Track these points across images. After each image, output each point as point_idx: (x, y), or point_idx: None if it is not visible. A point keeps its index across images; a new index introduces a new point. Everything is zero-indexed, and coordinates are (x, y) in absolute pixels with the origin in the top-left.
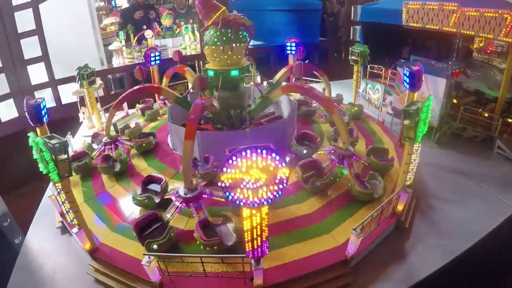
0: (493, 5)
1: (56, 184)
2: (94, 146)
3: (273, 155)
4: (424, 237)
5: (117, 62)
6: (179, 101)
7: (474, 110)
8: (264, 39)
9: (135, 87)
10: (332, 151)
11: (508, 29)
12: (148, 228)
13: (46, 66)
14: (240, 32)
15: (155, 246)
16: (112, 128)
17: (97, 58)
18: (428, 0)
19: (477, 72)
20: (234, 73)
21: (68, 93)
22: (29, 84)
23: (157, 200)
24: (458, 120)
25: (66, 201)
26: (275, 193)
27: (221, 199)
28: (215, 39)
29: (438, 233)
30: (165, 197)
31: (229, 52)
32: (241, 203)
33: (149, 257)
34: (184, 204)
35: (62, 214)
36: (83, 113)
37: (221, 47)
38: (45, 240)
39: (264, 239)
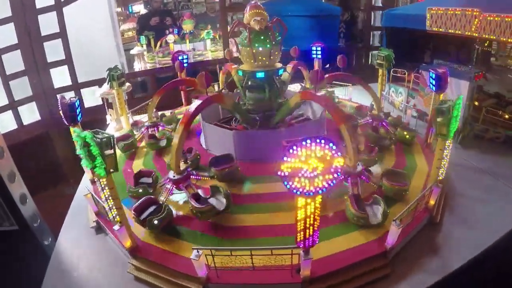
0: None
1: (101, 180)
2: (135, 132)
3: (330, 145)
4: (454, 231)
5: (138, 66)
6: (237, 108)
7: (495, 112)
8: (285, 44)
9: (200, 97)
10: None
11: None
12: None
13: (69, 69)
14: (269, 36)
15: (156, 221)
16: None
17: (117, 62)
18: (451, 6)
19: (496, 76)
20: (260, 74)
21: (90, 97)
22: (52, 87)
23: (150, 190)
24: (480, 122)
25: (110, 197)
26: (330, 182)
27: (206, 178)
28: (245, 41)
29: (468, 228)
30: (159, 186)
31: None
32: (298, 192)
33: (197, 251)
34: (174, 186)
35: (98, 213)
36: (110, 115)
37: (249, 48)
38: (78, 241)
39: (316, 228)
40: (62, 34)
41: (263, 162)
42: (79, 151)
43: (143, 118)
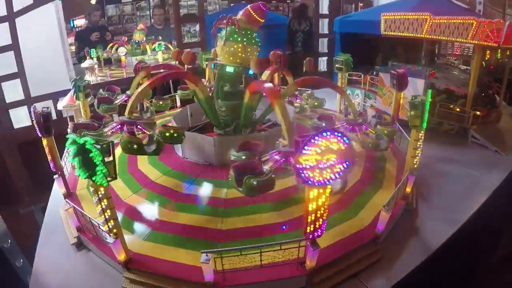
0: (460, 13)
1: (99, 190)
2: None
3: (344, 138)
4: (430, 215)
5: (90, 79)
6: (208, 101)
7: (447, 106)
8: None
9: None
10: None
11: (474, 32)
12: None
13: (22, 83)
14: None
15: (255, 182)
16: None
17: (66, 76)
18: (403, 11)
19: (442, 74)
20: (229, 69)
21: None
22: (4, 101)
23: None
24: (435, 116)
25: (108, 208)
26: (340, 172)
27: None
28: (236, 37)
29: (441, 210)
30: (263, 158)
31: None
32: (310, 183)
33: (206, 255)
34: (283, 159)
35: (79, 229)
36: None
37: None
38: (59, 259)
39: (325, 218)
40: (14, 46)
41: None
42: (73, 159)
43: None
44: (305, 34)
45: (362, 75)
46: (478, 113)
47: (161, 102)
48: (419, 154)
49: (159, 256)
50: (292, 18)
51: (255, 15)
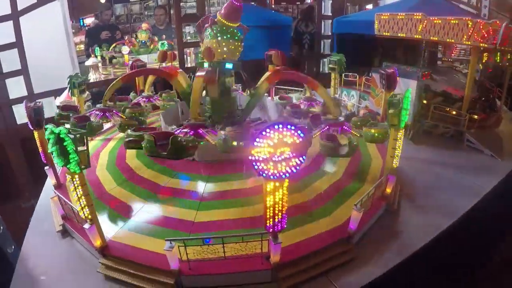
0: (455, 13)
1: (74, 177)
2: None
3: (299, 132)
4: (411, 217)
5: (93, 77)
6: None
7: (442, 108)
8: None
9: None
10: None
11: (469, 33)
12: None
13: (25, 80)
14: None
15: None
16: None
17: (71, 73)
18: (397, 11)
19: (443, 77)
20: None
21: (46, 107)
22: (7, 98)
23: None
24: (429, 118)
25: (82, 195)
26: (294, 168)
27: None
28: (226, 34)
29: (424, 213)
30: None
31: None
32: (265, 175)
33: (170, 243)
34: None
35: (64, 217)
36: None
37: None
38: (44, 245)
39: (284, 212)
40: (18, 44)
41: (225, 162)
42: (51, 148)
43: None
44: (311, 36)
45: (358, 76)
46: (475, 116)
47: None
48: (399, 154)
49: (134, 244)
50: (299, 20)
51: (230, 12)
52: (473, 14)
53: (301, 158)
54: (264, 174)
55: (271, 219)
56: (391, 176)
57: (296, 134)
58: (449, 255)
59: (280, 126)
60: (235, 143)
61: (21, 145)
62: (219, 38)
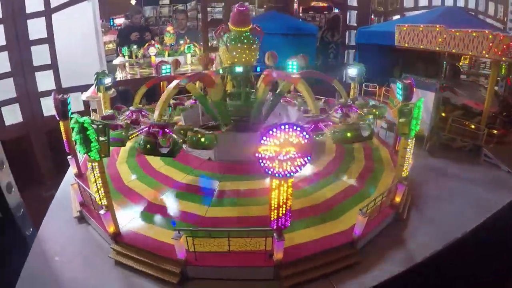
0: (477, 26)
1: (93, 164)
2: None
3: (304, 133)
4: (420, 228)
5: (120, 76)
6: (201, 99)
7: (461, 122)
8: (262, 61)
9: (197, 73)
10: None
11: (489, 47)
12: None
13: (54, 74)
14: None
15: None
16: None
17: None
18: (417, 23)
19: (466, 90)
20: (239, 69)
21: (73, 102)
22: (36, 91)
23: None
24: (447, 131)
25: (100, 181)
26: (299, 167)
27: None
28: (237, 39)
29: (432, 225)
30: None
31: (247, 51)
32: (271, 172)
33: (178, 232)
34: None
35: (82, 204)
36: (94, 118)
37: (246, 46)
38: (61, 230)
39: (288, 208)
40: (49, 39)
41: (240, 163)
42: (75, 136)
43: None
44: (337, 45)
45: (378, 86)
46: (494, 131)
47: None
48: (409, 163)
49: (144, 233)
50: (325, 29)
51: (237, 18)
52: (495, 27)
53: (306, 158)
54: (270, 172)
55: (275, 215)
56: (400, 185)
57: (301, 134)
58: (453, 267)
59: (286, 126)
60: (203, 139)
61: (46, 137)
62: (229, 44)
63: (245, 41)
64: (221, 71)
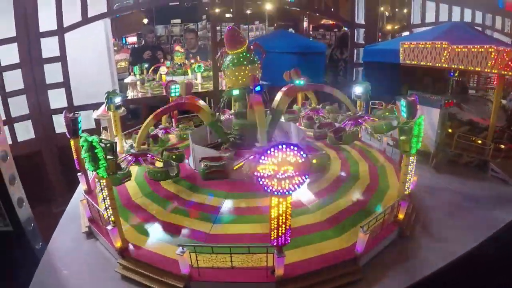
0: (483, 41)
1: (101, 181)
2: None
3: (301, 152)
4: (424, 244)
5: (131, 94)
6: (213, 125)
7: (467, 137)
8: (270, 79)
9: (176, 101)
10: None
11: (493, 61)
12: None
13: (66, 92)
14: (253, 55)
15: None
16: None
17: (111, 89)
18: (423, 40)
19: (473, 106)
20: (235, 92)
21: (85, 120)
22: (48, 108)
23: None
24: (453, 147)
25: (108, 198)
26: (299, 184)
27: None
28: (235, 61)
29: (437, 241)
30: (120, 160)
31: (246, 72)
32: (269, 191)
33: (182, 248)
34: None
35: (91, 219)
36: (104, 136)
37: (243, 67)
38: (70, 244)
39: (287, 227)
40: (62, 58)
41: (245, 181)
42: (84, 154)
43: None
44: (346, 63)
45: (384, 104)
46: (502, 146)
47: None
48: (411, 180)
49: (150, 248)
50: (334, 47)
51: (228, 41)
52: (502, 42)
53: (303, 177)
54: (268, 190)
55: (275, 232)
56: (403, 202)
57: (298, 154)
58: (459, 283)
59: (284, 146)
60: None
61: (58, 153)
62: (224, 67)
63: (245, 62)
64: (234, 92)
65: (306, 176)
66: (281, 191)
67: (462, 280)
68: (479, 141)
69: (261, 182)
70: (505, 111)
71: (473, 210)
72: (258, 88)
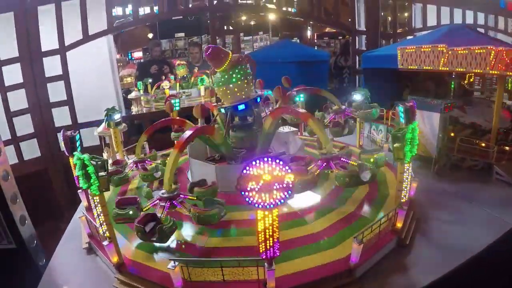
0: (483, 43)
1: (95, 198)
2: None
3: (286, 167)
4: (424, 253)
5: (135, 110)
6: (225, 144)
7: (470, 141)
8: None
9: (164, 120)
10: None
11: (493, 62)
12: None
13: (70, 110)
14: (243, 69)
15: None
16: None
17: (115, 105)
18: (422, 43)
19: (476, 108)
20: (241, 107)
21: (89, 137)
22: (53, 126)
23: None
24: (455, 151)
25: (102, 214)
26: (283, 198)
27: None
28: (222, 80)
29: (439, 249)
30: (146, 207)
31: (235, 90)
32: (254, 204)
33: (174, 262)
34: (168, 203)
35: (90, 235)
36: (106, 152)
37: (225, 87)
38: (71, 260)
39: (275, 239)
40: (65, 76)
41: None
42: (78, 172)
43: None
44: (351, 70)
45: (385, 110)
46: (506, 148)
47: None
48: (407, 188)
49: (146, 262)
50: (338, 54)
51: (210, 60)
52: (504, 43)
53: (287, 192)
54: (251, 203)
55: (263, 245)
56: (400, 210)
57: (283, 168)
58: None
59: (269, 159)
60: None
61: (63, 171)
62: (214, 86)
63: (233, 79)
64: (224, 110)
65: (290, 192)
66: (263, 204)
67: (467, 285)
68: (483, 144)
69: (244, 195)
70: (510, 112)
71: (478, 215)
72: (242, 107)
